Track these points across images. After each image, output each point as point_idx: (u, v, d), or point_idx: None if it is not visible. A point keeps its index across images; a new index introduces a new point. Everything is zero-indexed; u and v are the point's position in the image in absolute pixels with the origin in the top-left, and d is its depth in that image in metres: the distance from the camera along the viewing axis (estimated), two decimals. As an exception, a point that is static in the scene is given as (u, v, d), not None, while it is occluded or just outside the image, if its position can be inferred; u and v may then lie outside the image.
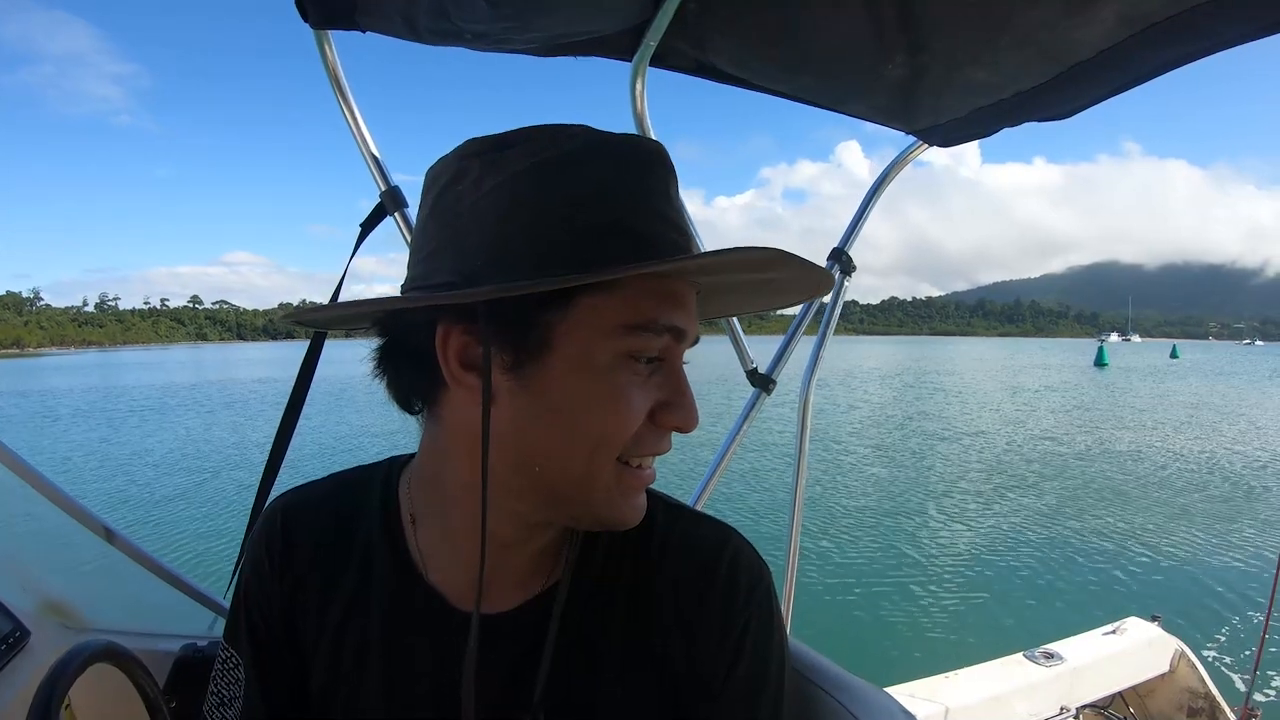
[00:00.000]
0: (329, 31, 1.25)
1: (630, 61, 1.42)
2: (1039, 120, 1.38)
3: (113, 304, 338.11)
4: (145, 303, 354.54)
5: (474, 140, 0.65)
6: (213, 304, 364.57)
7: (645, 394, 0.62)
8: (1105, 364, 60.92)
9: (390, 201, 1.36)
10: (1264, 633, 3.11)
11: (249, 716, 0.74)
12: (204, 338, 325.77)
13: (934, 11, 1.12)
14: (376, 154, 1.38)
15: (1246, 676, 3.80)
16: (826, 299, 1.80)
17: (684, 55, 1.41)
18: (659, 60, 1.42)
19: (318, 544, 0.76)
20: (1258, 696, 2.88)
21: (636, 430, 0.62)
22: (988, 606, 6.98)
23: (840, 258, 1.77)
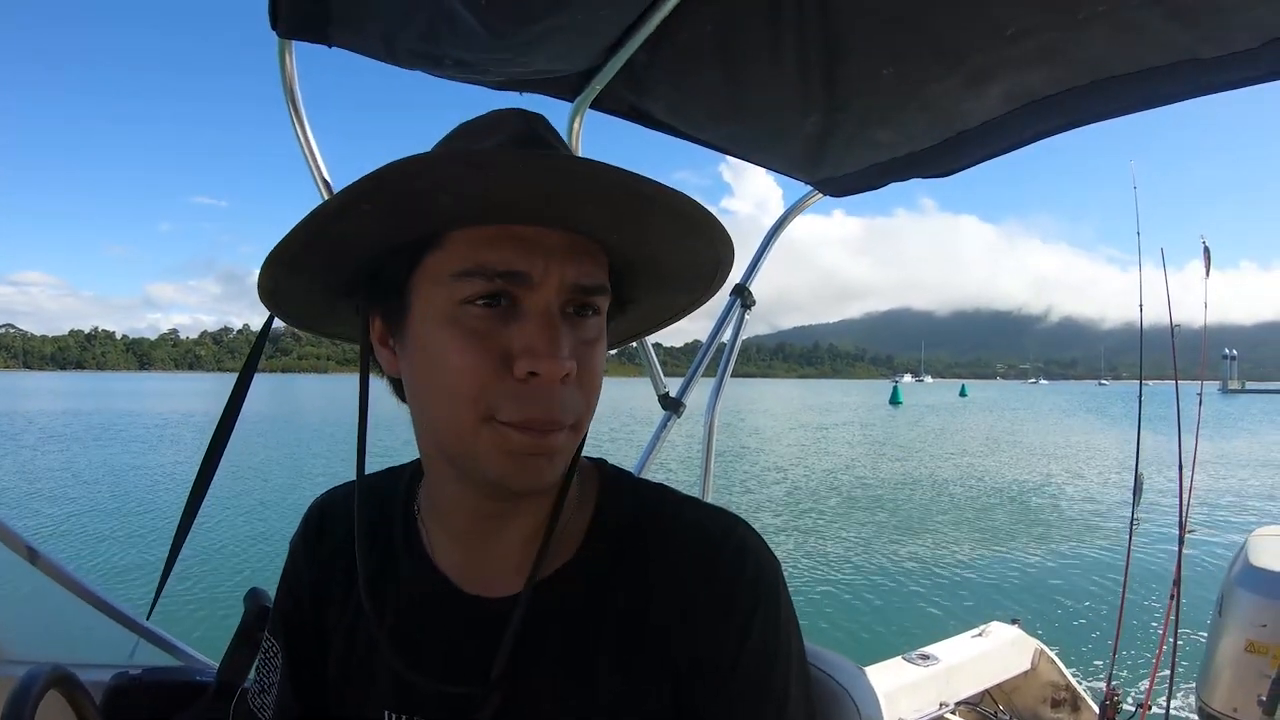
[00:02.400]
0: (292, 42, 1.19)
1: (571, 101, 1.49)
2: (922, 177, 1.60)
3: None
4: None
5: None
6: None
7: (495, 342, 0.60)
8: (900, 402, 65.56)
9: None
10: (1119, 620, 3.55)
11: (282, 702, 0.78)
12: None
13: (857, 76, 1.28)
14: (327, 177, 1.32)
15: (1104, 665, 4.28)
16: (725, 338, 1.96)
17: (622, 100, 1.50)
18: (597, 102, 1.50)
19: (347, 534, 0.78)
20: (1115, 681, 3.27)
21: (494, 382, 0.60)
22: (864, 615, 7.62)
23: (742, 293, 1.94)
